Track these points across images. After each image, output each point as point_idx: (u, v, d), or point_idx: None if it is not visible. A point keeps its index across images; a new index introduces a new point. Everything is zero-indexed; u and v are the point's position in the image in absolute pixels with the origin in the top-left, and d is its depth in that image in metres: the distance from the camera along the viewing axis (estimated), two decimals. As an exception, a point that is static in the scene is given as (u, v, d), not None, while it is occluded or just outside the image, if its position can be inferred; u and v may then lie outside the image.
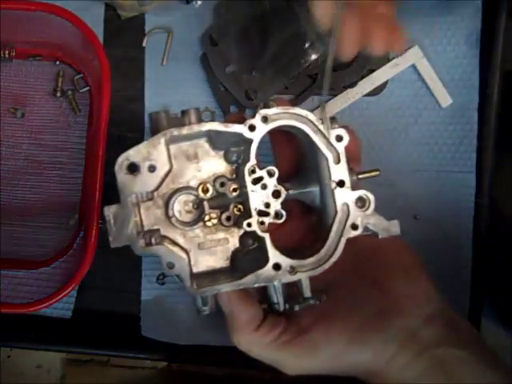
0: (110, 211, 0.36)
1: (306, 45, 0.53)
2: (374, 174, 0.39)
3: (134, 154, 0.35)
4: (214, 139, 0.37)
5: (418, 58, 0.55)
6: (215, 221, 0.37)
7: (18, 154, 0.57)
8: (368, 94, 0.55)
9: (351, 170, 0.37)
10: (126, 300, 0.56)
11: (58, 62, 0.57)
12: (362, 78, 0.55)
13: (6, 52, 0.56)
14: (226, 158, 0.38)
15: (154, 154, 0.36)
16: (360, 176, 0.38)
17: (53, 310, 0.55)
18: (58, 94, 0.57)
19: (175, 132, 0.36)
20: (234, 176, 0.38)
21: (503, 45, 0.56)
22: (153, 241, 0.35)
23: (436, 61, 0.55)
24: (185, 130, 0.36)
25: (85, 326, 0.57)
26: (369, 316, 0.36)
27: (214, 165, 0.38)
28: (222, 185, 0.37)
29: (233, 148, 0.37)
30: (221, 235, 0.37)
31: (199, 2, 0.57)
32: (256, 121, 0.36)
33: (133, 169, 0.36)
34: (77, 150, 0.57)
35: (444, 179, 0.55)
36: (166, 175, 0.36)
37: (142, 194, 0.36)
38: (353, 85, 0.55)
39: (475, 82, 0.55)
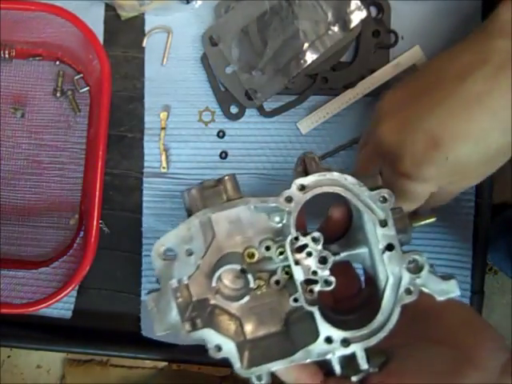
0: (151, 299, 0.35)
1: (306, 45, 0.53)
2: (430, 220, 0.38)
3: (169, 239, 0.35)
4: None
5: (418, 58, 0.55)
6: (264, 285, 0.36)
7: (18, 153, 0.57)
8: (368, 94, 0.55)
9: (405, 219, 0.35)
10: (126, 300, 0.57)
11: (58, 62, 0.57)
12: (362, 78, 0.55)
13: (6, 52, 0.56)
14: (270, 219, 0.36)
15: (189, 238, 0.35)
16: (415, 224, 0.37)
17: (53, 310, 0.55)
18: (58, 94, 0.57)
19: (209, 213, 0.34)
20: (281, 237, 0.36)
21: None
22: (198, 323, 0.34)
23: (436, 61, 0.55)
24: (219, 209, 0.34)
25: (85, 326, 0.57)
26: (441, 373, 0.34)
27: (257, 226, 0.36)
28: (268, 249, 0.35)
29: (275, 212, 0.36)
30: (272, 298, 0.36)
31: (199, 2, 0.57)
32: (293, 191, 0.34)
33: (170, 254, 0.35)
34: (77, 150, 0.57)
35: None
36: (210, 243, 0.35)
37: (181, 279, 0.35)
38: (353, 85, 0.55)
39: (475, 82, 0.55)
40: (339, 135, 0.56)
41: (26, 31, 0.54)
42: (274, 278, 0.35)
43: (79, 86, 0.57)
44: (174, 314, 0.34)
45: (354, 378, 0.34)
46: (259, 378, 0.34)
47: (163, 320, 0.34)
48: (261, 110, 0.55)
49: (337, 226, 0.39)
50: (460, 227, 0.55)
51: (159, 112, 0.56)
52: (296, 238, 0.34)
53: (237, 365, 0.34)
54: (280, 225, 0.36)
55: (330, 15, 0.52)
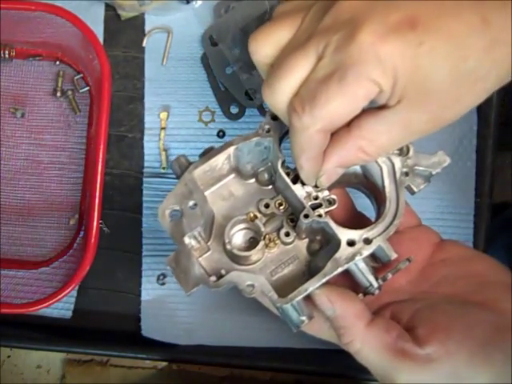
0: (171, 261, 0.36)
1: (306, 45, 0.53)
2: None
3: (171, 200, 0.36)
4: (241, 168, 0.37)
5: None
6: (277, 241, 0.37)
7: (18, 154, 0.57)
8: (368, 94, 0.55)
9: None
10: (126, 300, 0.56)
11: (58, 62, 0.57)
12: (362, 78, 0.55)
13: (6, 52, 0.56)
14: (260, 182, 0.38)
15: (189, 192, 0.36)
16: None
17: (53, 310, 0.55)
18: (58, 94, 0.57)
19: (200, 165, 0.36)
20: (275, 195, 0.38)
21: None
22: (223, 272, 0.35)
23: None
24: (209, 160, 0.36)
25: (85, 326, 0.57)
26: (487, 333, 0.34)
27: (251, 194, 0.38)
28: (267, 206, 0.37)
29: (261, 168, 0.37)
30: (288, 255, 0.37)
31: (199, 2, 0.57)
32: (268, 123, 0.36)
33: (175, 213, 0.36)
34: (77, 150, 0.57)
35: (444, 179, 0.55)
36: (212, 225, 0.37)
37: (193, 234, 0.35)
38: (353, 85, 0.55)
39: (475, 82, 0.55)
40: (339, 135, 0.56)
41: (26, 31, 0.54)
42: (283, 230, 0.36)
43: (79, 85, 0.57)
44: (196, 268, 0.35)
45: (389, 275, 0.34)
46: (300, 311, 0.34)
47: (188, 277, 0.35)
48: (261, 110, 0.55)
49: None
50: (460, 227, 0.55)
51: (159, 112, 0.56)
52: (288, 174, 0.35)
53: (274, 297, 0.34)
54: (270, 186, 0.37)
55: (329, 15, 0.52)
